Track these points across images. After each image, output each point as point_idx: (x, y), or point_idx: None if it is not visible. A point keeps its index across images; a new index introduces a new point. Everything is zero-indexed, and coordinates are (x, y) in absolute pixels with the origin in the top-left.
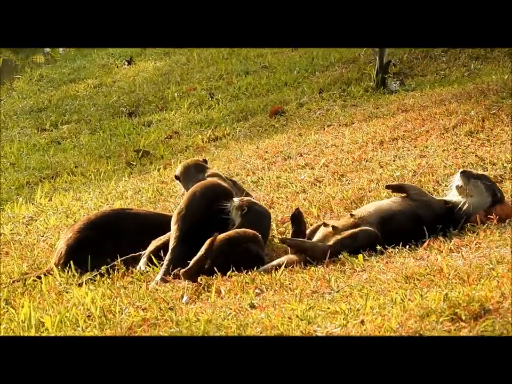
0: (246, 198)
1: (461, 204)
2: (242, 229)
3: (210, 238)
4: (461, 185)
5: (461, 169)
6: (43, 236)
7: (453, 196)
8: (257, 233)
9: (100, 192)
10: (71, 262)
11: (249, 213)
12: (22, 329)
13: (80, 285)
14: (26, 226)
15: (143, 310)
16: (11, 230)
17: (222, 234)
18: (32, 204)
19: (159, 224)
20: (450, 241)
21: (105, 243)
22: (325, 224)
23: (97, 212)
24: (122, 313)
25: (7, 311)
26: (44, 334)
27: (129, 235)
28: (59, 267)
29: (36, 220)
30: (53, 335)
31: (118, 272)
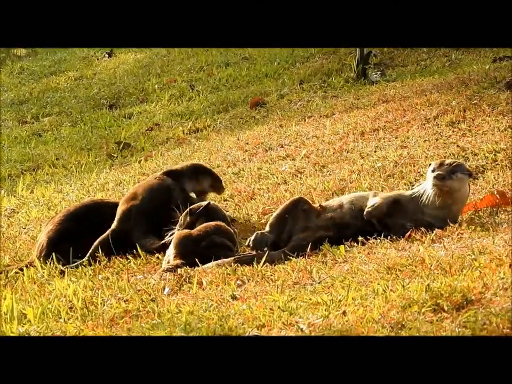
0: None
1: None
2: (204, 224)
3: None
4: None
5: (434, 174)
6: (25, 228)
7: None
8: (220, 223)
9: (81, 184)
10: (53, 254)
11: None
12: (4, 321)
13: (62, 273)
14: (8, 219)
15: (125, 301)
16: None
17: (183, 232)
18: (14, 196)
19: None
20: (432, 232)
21: (85, 234)
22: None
23: (77, 203)
24: (104, 305)
25: None
26: (26, 326)
27: (109, 225)
28: (41, 259)
29: (18, 212)
30: (35, 326)
31: (100, 264)
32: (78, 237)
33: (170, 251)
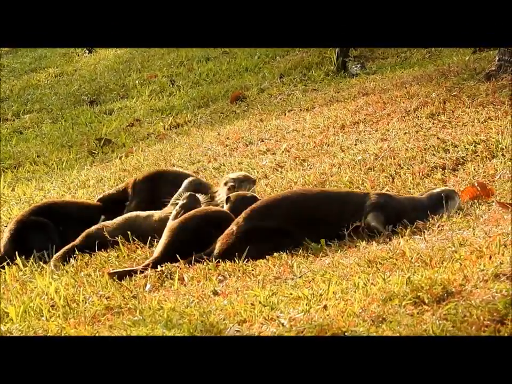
0: None
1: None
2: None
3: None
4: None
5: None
6: (6, 226)
7: None
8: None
9: (62, 181)
10: (16, 251)
11: None
12: None
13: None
14: None
15: (106, 298)
16: None
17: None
18: None
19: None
20: (413, 225)
21: (50, 227)
22: None
23: (39, 202)
24: (86, 302)
25: None
26: (8, 325)
27: (71, 223)
28: (5, 255)
29: None
30: (17, 325)
31: (81, 261)
32: (42, 229)
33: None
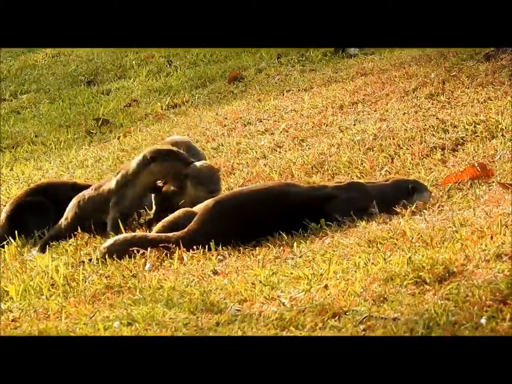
0: None
1: None
2: None
3: None
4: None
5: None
6: (5, 206)
7: None
8: None
9: (60, 161)
10: (13, 231)
11: None
12: None
13: (43, 249)
14: None
15: (106, 277)
16: None
17: None
18: None
19: None
20: (413, 205)
21: (46, 208)
22: None
23: (36, 183)
24: (86, 281)
25: None
26: (9, 303)
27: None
28: (3, 235)
29: None
30: (17, 304)
31: (81, 240)
32: (39, 209)
33: None
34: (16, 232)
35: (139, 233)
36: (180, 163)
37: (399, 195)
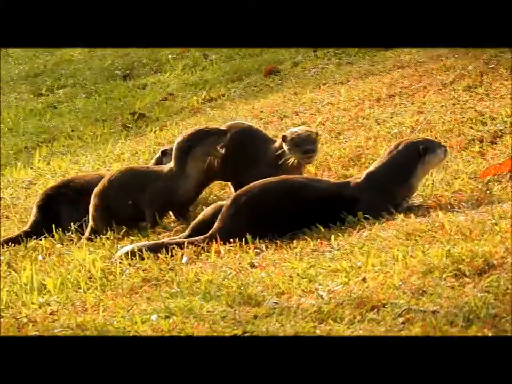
0: None
1: None
2: None
3: None
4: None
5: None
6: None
7: None
8: None
9: (97, 155)
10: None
11: None
12: (24, 291)
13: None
14: (26, 190)
15: (143, 271)
16: (11, 194)
17: None
18: (31, 168)
19: None
20: (451, 197)
21: (76, 199)
22: None
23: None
24: (123, 275)
25: (9, 274)
26: (46, 297)
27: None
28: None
29: (35, 184)
30: (55, 297)
31: (119, 233)
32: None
33: None
34: (48, 224)
35: (159, 241)
36: (215, 136)
37: (411, 159)
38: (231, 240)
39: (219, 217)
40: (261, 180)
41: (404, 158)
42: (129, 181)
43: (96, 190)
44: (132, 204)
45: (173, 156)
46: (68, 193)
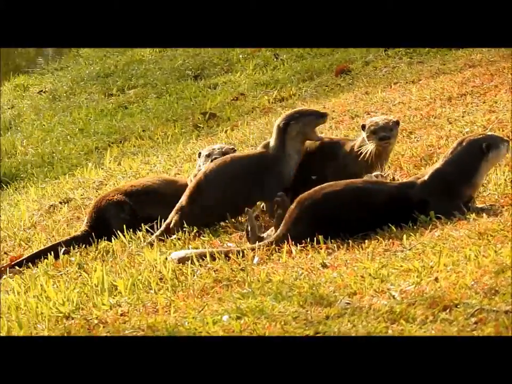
0: None
1: None
2: None
3: None
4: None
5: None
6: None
7: None
8: None
9: (168, 155)
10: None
11: None
12: (95, 293)
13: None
14: (97, 191)
15: (215, 271)
16: (81, 195)
17: None
18: (102, 168)
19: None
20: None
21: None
22: None
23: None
24: (194, 275)
25: (80, 275)
26: (117, 298)
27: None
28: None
29: (106, 184)
30: (126, 298)
31: (189, 234)
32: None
33: None
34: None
35: (218, 248)
36: (311, 117)
37: (474, 158)
38: (303, 240)
39: (283, 222)
40: (324, 184)
41: (467, 156)
42: (232, 172)
43: (193, 184)
44: (230, 198)
45: (273, 136)
46: (114, 195)
